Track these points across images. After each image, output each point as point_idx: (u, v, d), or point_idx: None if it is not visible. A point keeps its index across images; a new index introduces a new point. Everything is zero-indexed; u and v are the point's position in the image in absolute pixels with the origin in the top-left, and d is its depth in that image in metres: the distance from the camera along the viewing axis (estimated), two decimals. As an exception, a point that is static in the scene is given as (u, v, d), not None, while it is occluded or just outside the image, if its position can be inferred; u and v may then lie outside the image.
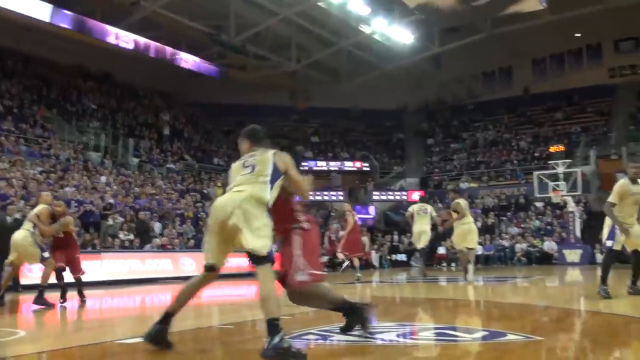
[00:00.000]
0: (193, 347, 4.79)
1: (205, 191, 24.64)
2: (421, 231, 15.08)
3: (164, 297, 11.57)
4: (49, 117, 23.74)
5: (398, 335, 4.45)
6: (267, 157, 4.57)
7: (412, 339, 4.82)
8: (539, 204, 27.17)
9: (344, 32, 29.47)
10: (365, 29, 27.97)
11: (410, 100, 36.90)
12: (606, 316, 6.09)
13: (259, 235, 4.01)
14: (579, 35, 32.99)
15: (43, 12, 22.39)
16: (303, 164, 33.00)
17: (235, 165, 4.73)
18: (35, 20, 22.48)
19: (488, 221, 25.63)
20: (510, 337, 4.44)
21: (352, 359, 3.91)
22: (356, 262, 14.45)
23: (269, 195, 4.26)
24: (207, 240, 4.46)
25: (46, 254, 9.13)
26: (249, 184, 4.30)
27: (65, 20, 23.33)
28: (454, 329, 5.02)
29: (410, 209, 15.90)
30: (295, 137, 35.49)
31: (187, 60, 28.13)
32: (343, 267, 19.09)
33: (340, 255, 15.91)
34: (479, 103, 36.62)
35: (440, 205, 27.41)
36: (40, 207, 9.35)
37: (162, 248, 17.93)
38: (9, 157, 18.56)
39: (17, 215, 13.80)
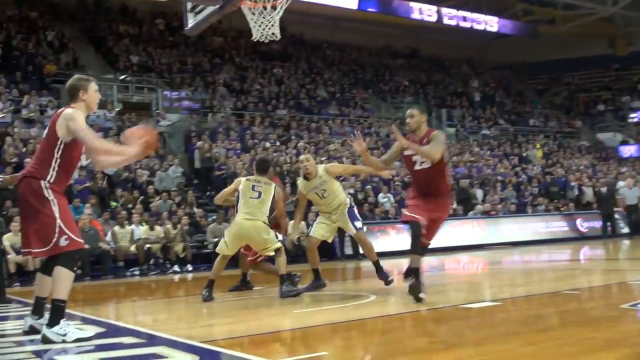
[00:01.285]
0: (545, 312, 4.55)
1: (524, 154, 23.81)
2: None
3: (492, 262, 11.44)
4: (366, 98, 25.33)
5: None
6: (271, 189, 6.62)
7: None
8: None
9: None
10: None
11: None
12: None
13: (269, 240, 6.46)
14: None
15: (352, 1, 23.86)
16: (631, 115, 29.75)
17: (245, 184, 6.65)
18: (345, 9, 24.12)
19: None
20: None
21: None
22: None
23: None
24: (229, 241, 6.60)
25: None
26: (259, 213, 6.43)
27: (371, 4, 24.56)
28: None
29: None
30: (619, 88, 32.20)
31: (492, 23, 27.36)
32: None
33: None
34: None
35: None
36: None
37: (486, 214, 17.78)
38: (336, 138, 20.32)
39: (350, 190, 14.94)
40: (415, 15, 25.51)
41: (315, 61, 26.99)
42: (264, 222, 6.44)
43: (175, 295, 8.77)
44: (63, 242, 3.96)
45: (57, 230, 3.97)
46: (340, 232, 10.33)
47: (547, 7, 27.82)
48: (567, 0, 27.96)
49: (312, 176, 6.69)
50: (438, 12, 25.87)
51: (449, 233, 16.07)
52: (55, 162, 4.10)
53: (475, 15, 26.90)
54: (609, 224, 17.90)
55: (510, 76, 33.06)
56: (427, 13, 25.68)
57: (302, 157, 6.95)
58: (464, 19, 26.59)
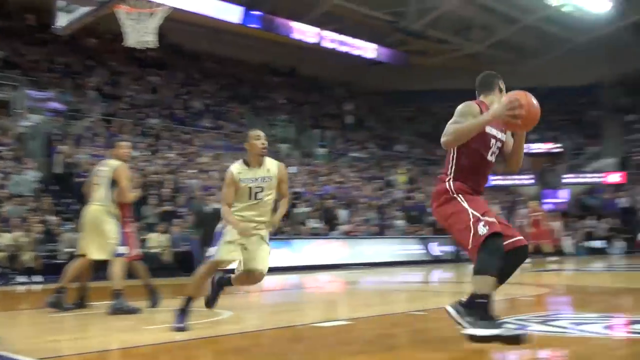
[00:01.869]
0: (389, 332, 4.83)
1: (389, 178, 24.86)
2: None
3: (350, 282, 11.85)
4: (242, 113, 25.39)
5: (605, 327, 4.11)
6: None
7: (620, 331, 4.46)
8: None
9: (529, 7, 27.90)
10: (553, 1, 26.23)
11: (605, 74, 33.97)
12: None
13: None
14: None
15: (234, 15, 23.93)
16: (489, 147, 31.92)
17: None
18: (227, 23, 24.14)
19: None
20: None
21: (553, 348, 3.69)
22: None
23: None
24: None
25: None
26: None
27: (254, 20, 24.78)
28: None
29: None
30: (482, 121, 34.46)
31: (368, 49, 28.53)
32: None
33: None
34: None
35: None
36: None
37: (348, 235, 18.37)
38: (209, 151, 20.20)
39: (216, 205, 14.90)
40: (296, 36, 26.11)
41: (193, 72, 26.70)
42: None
43: (18, 308, 8.32)
44: None
45: None
46: (202, 244, 10.26)
47: (421, 39, 29.35)
48: (439, 35, 29.67)
49: (257, 163, 5.23)
50: (319, 34, 26.60)
51: (311, 252, 16.48)
52: None
53: (353, 41, 27.93)
54: (459, 247, 19.13)
55: (382, 102, 34.41)
56: (308, 34, 26.37)
57: (256, 132, 5.29)
58: (343, 43, 27.54)
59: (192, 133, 21.52)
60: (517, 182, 29.83)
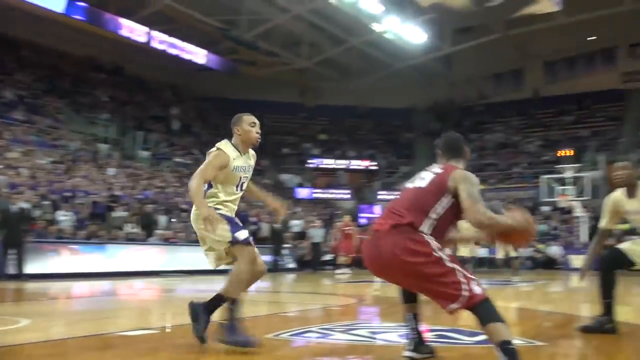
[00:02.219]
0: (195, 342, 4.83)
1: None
2: None
3: (166, 289, 11.63)
4: (60, 108, 23.88)
5: (399, 336, 4.46)
6: None
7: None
8: (545, 208, 27.07)
9: (355, 30, 29.42)
10: (377, 27, 27.90)
11: (419, 99, 36.78)
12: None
13: None
14: (593, 38, 32.77)
15: (58, 4, 22.51)
16: (310, 161, 33.03)
17: None
18: (49, 11, 22.63)
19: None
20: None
21: (354, 357, 3.93)
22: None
23: None
24: None
25: None
26: None
27: (79, 12, 23.47)
28: (456, 331, 5.02)
29: None
30: (303, 135, 35.54)
31: (198, 54, 28.23)
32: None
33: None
34: (489, 104, 36.50)
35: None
36: None
37: (167, 241, 18.00)
38: (20, 146, 18.73)
39: (23, 204, 13.89)
40: (125, 33, 25.13)
41: (8, 60, 24.64)
42: None
43: None
44: None
45: None
46: (5, 246, 9.53)
47: (251, 49, 29.66)
48: (269, 47, 30.20)
49: (245, 151, 4.61)
50: (148, 34, 25.84)
51: (127, 257, 15.92)
52: None
53: (184, 45, 27.48)
54: (278, 258, 19.60)
55: (210, 109, 34.22)
56: (137, 33, 25.49)
57: (251, 117, 4.78)
58: (173, 46, 26.99)
59: (2, 125, 19.85)
60: (335, 195, 31.11)
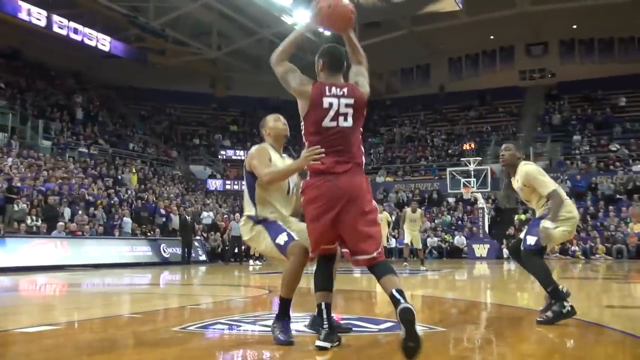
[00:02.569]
0: (101, 336, 4.70)
1: (119, 177, 23.99)
2: None
3: (71, 284, 11.22)
4: (-50, 94, 22.45)
5: (306, 326, 4.51)
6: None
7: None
8: (451, 200, 28.07)
9: (266, 21, 29.34)
10: (287, 19, 27.92)
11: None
12: (510, 309, 6.40)
13: None
14: (493, 37, 34.24)
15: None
16: (221, 152, 32.71)
17: None
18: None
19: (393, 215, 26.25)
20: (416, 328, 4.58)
21: (261, 348, 3.95)
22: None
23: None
24: None
25: None
26: None
27: (-29, -9, 22.11)
28: (362, 319, 5.14)
29: None
30: (213, 125, 35.15)
31: (104, 41, 27.22)
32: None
33: None
34: (396, 99, 37.42)
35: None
36: None
37: (72, 234, 17.33)
38: None
39: None
40: (23, 16, 23.88)
41: None
42: None
43: None
44: None
45: None
46: None
47: (159, 37, 28.94)
48: (178, 36, 29.59)
49: (281, 151, 4.56)
50: (48, 17, 24.67)
51: (29, 251, 15.22)
52: None
53: (87, 30, 26.42)
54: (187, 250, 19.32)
55: (116, 98, 33.17)
56: (36, 16, 24.28)
57: (273, 114, 4.67)
58: (76, 31, 25.88)
59: None
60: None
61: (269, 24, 29.49)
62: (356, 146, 3.72)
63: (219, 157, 32.64)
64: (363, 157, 3.75)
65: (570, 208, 5.12)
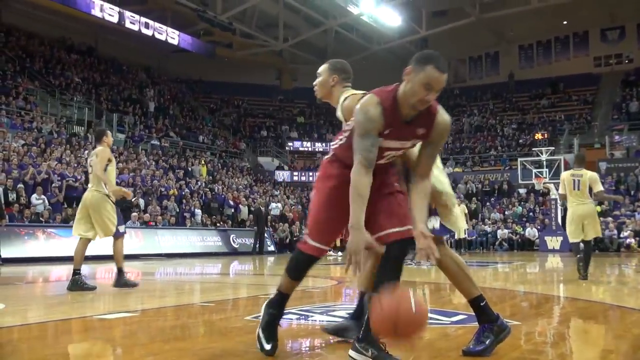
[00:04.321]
0: (174, 324, 4.80)
1: (190, 169, 24.54)
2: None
3: (146, 272, 11.54)
4: (31, 90, 23.45)
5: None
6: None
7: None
8: (522, 191, 27.37)
9: (332, 12, 29.31)
10: (353, 9, 27.80)
11: (396, 82, 36.82)
12: (584, 303, 6.18)
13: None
14: (565, 22, 33.05)
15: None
16: (288, 144, 32.97)
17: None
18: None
19: (471, 206, 25.77)
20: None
21: (329, 337, 3.93)
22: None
23: None
24: None
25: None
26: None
27: (49, -10, 23.02)
28: (433, 311, 5.05)
29: None
30: (280, 117, 35.41)
31: (173, 36, 27.87)
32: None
33: None
34: (465, 88, 36.73)
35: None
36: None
37: (145, 224, 17.86)
38: (-10, 129, 18.40)
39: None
40: (97, 13, 24.70)
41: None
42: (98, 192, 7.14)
43: None
44: None
45: None
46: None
47: (227, 31, 29.36)
48: (245, 29, 29.93)
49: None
50: (120, 13, 25.43)
51: (105, 241, 15.73)
52: None
53: (157, 25, 27.09)
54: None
55: (186, 91, 33.91)
56: (109, 12, 25.07)
57: None
58: (147, 25, 26.58)
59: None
60: (314, 178, 31.09)
61: (334, 15, 29.45)
62: None
63: (287, 148, 32.91)
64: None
65: None
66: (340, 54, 33.23)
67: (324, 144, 32.91)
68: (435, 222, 3.52)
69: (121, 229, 7.57)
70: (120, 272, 7.57)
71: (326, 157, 3.47)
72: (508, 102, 35.13)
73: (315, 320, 4.72)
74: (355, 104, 3.21)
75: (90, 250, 7.88)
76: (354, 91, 3.83)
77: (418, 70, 3.01)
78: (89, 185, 7.32)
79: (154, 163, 22.96)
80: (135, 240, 16.64)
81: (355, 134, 3.05)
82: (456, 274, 3.44)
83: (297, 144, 32.91)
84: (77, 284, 7.12)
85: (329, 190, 3.30)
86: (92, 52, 30.22)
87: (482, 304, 3.40)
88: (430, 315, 4.85)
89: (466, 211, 19.95)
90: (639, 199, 23.22)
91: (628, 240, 21.44)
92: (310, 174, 31.00)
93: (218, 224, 20.70)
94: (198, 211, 20.42)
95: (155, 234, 17.56)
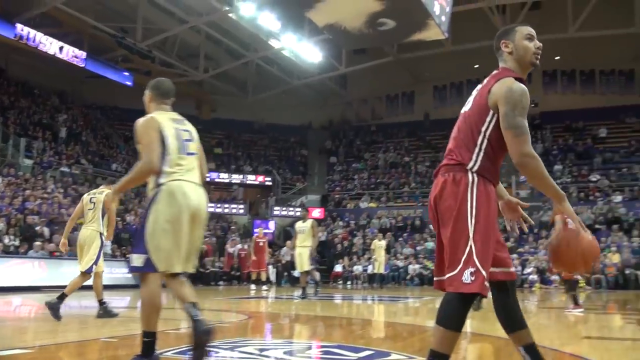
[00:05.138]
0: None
1: (100, 197, 23.71)
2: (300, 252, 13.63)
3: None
4: None
5: (285, 353, 4.46)
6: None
7: (297, 356, 4.85)
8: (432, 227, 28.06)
9: (253, 45, 29.50)
10: (274, 44, 28.08)
11: (315, 117, 37.36)
12: (491, 338, 6.37)
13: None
14: (477, 66, 34.62)
15: None
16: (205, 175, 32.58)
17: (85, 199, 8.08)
18: None
19: (384, 242, 26.20)
20: (394, 356, 4.55)
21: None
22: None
23: None
24: None
25: None
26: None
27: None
28: (341, 347, 5.08)
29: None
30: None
31: (89, 60, 27.15)
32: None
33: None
34: (381, 125, 37.62)
35: (340, 222, 28.00)
36: None
37: (50, 254, 17.10)
38: None
39: None
40: (7, 33, 23.78)
41: None
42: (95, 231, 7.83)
43: None
44: None
45: None
46: None
47: (146, 59, 28.91)
48: (165, 58, 29.62)
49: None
50: (35, 35, 24.60)
51: (5, 272, 14.98)
52: None
53: (73, 50, 26.34)
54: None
55: (100, 117, 33.02)
56: (22, 34, 24.18)
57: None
58: (61, 50, 25.80)
59: None
60: (230, 210, 30.85)
61: (256, 48, 29.64)
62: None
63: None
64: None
65: None
66: (260, 87, 33.49)
67: (241, 176, 32.74)
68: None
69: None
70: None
71: (464, 177, 3.24)
72: (422, 140, 36.19)
73: (224, 357, 4.65)
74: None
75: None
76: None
77: (512, 35, 3.34)
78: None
79: (62, 191, 22.10)
80: (39, 271, 15.89)
81: (516, 115, 3.24)
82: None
83: (213, 175, 32.60)
84: (107, 312, 8.28)
85: (494, 213, 3.17)
86: (1, 74, 28.99)
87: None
88: (337, 350, 4.87)
89: (384, 247, 20.40)
90: (542, 237, 24.30)
91: (531, 277, 22.38)
92: (226, 205, 30.73)
93: (127, 256, 20.07)
94: (108, 242, 19.69)
95: (60, 265, 16.80)
